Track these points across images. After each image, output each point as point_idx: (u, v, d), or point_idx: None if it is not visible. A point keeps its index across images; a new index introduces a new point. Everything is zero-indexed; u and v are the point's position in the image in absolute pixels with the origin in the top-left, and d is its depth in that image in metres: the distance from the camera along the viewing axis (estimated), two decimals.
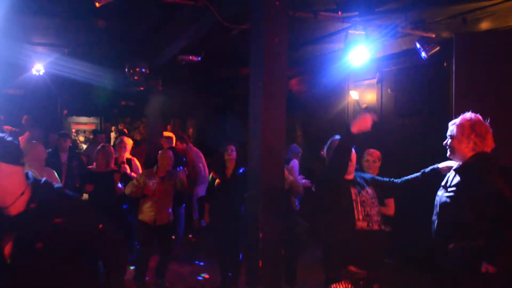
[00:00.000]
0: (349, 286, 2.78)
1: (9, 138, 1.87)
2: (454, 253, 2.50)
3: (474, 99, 4.13)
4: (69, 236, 1.83)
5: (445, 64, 5.84)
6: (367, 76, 7.42)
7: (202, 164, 7.34)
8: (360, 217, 2.77)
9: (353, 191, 2.85)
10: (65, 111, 6.49)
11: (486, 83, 4.22)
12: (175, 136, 7.68)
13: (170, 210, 5.11)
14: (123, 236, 2.08)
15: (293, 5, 4.17)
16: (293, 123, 9.15)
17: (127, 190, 4.90)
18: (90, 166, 5.46)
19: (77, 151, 9.38)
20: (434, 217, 2.70)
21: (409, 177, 3.00)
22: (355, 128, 2.66)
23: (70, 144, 6.68)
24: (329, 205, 2.90)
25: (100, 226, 1.94)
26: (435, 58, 5.37)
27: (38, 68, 8.30)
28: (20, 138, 7.16)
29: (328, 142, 3.04)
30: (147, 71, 7.07)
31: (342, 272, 2.81)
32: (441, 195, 2.65)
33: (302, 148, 6.72)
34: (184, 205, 6.77)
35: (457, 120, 2.62)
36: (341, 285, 2.80)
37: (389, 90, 7.10)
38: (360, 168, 4.45)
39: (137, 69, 6.95)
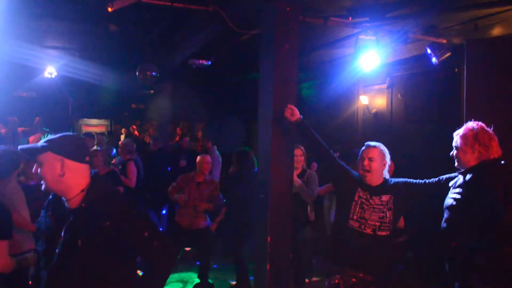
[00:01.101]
0: (340, 282, 2.84)
1: (78, 137, 1.94)
2: (455, 252, 2.55)
3: (485, 105, 4.09)
4: (113, 240, 1.82)
5: (456, 70, 5.80)
6: (377, 81, 7.39)
7: (219, 171, 7.20)
8: (354, 217, 2.86)
9: (359, 194, 2.91)
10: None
11: (497, 89, 4.17)
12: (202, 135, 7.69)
13: (207, 215, 5.05)
14: (171, 245, 1.97)
15: (303, 11, 4.17)
16: None
17: (171, 193, 5.01)
18: None
19: None
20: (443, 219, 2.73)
21: (446, 176, 2.88)
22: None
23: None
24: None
25: (146, 233, 1.89)
26: (446, 64, 5.34)
27: (51, 71, 8.45)
28: (30, 138, 7.28)
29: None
30: (158, 75, 7.14)
31: (335, 269, 2.90)
32: (448, 196, 2.68)
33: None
34: None
35: (460, 131, 2.64)
36: (334, 280, 2.86)
37: (399, 95, 7.07)
38: None
39: (148, 73, 7.03)
